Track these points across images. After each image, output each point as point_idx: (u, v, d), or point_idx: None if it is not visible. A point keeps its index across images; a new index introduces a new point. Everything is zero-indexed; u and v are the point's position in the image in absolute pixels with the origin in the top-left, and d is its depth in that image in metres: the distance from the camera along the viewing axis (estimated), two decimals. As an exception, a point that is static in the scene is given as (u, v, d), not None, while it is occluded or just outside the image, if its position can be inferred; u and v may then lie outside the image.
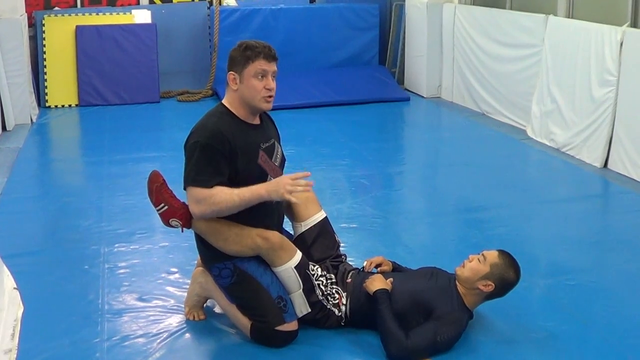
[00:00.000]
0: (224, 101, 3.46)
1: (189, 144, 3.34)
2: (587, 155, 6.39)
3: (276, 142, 3.58)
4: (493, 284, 3.34)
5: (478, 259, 3.38)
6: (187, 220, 3.41)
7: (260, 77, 3.33)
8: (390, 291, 3.39)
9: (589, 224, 5.14)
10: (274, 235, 3.35)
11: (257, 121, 3.48)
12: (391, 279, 3.47)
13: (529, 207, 5.38)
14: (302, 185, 3.25)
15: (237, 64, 3.35)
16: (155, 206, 3.46)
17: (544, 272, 4.29)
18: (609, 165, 6.20)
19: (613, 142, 6.16)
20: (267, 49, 3.36)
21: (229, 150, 3.28)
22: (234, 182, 3.31)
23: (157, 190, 3.43)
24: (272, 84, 3.37)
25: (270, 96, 3.37)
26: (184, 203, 3.44)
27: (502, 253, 3.42)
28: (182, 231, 3.49)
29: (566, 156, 6.60)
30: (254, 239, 3.31)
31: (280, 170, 3.55)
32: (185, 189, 3.33)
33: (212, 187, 3.24)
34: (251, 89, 3.34)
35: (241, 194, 3.24)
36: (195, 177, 3.27)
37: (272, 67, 3.37)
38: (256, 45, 3.35)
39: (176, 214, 3.41)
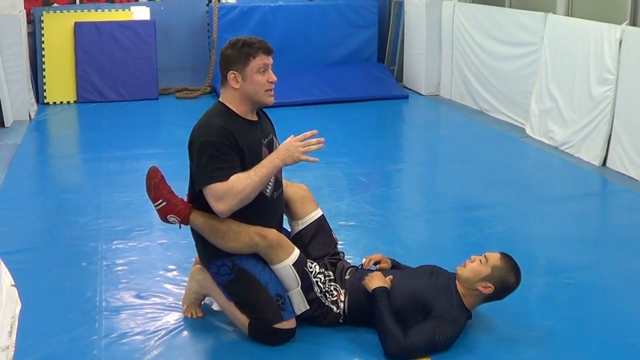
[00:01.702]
0: (221, 99, 3.44)
1: (196, 144, 3.30)
2: (586, 154, 6.39)
3: (274, 137, 3.58)
4: (493, 287, 3.33)
5: (480, 260, 3.37)
6: (185, 216, 3.39)
7: (262, 71, 3.34)
8: (389, 289, 3.39)
9: (588, 222, 5.14)
10: (271, 233, 3.34)
11: (255, 117, 3.48)
12: (390, 277, 3.46)
13: (527, 205, 5.38)
14: (314, 144, 3.26)
15: (236, 63, 3.33)
16: (154, 202, 3.45)
17: (542, 270, 4.28)
18: (608, 164, 6.19)
19: (612, 141, 6.15)
20: (264, 43, 3.37)
21: (236, 147, 3.28)
22: None
23: (156, 186, 3.43)
24: (274, 77, 3.39)
25: (272, 89, 3.39)
26: (182, 199, 3.43)
27: (505, 256, 3.40)
28: (180, 227, 3.48)
29: (565, 154, 6.60)
30: (251, 236, 3.30)
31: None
32: (201, 189, 3.29)
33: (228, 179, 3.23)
34: (255, 85, 3.34)
35: (258, 172, 3.23)
36: (212, 174, 3.23)
37: (271, 60, 3.39)
38: (253, 41, 3.35)
39: (174, 210, 3.39)
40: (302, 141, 3.27)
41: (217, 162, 3.24)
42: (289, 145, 3.28)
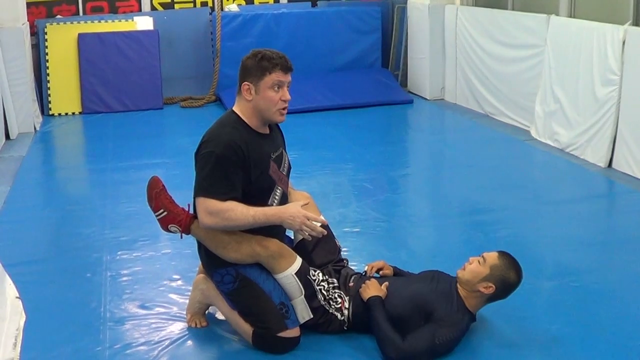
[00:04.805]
0: (235, 109, 3.42)
1: (202, 153, 3.30)
2: (591, 155, 6.36)
3: (283, 151, 3.57)
4: (494, 286, 3.32)
5: (478, 261, 3.36)
6: (186, 226, 3.40)
7: (276, 88, 3.31)
8: (385, 296, 3.39)
9: (594, 224, 5.11)
10: (273, 243, 3.34)
11: (267, 130, 3.47)
12: (386, 283, 3.47)
13: (533, 208, 5.35)
14: (317, 231, 3.25)
15: (252, 75, 3.31)
16: (155, 212, 3.45)
17: (548, 273, 4.26)
18: (614, 165, 6.17)
19: (617, 142, 6.13)
20: (284, 60, 3.33)
21: (243, 161, 3.26)
22: (246, 192, 3.29)
23: (157, 196, 3.43)
24: (288, 96, 3.36)
25: (284, 108, 3.37)
26: (183, 209, 3.44)
27: (502, 254, 3.40)
28: (181, 237, 3.49)
29: (570, 156, 6.57)
30: (253, 246, 3.30)
31: (287, 178, 3.55)
32: (195, 197, 3.31)
33: (225, 200, 3.22)
34: (267, 101, 3.32)
35: (256, 216, 3.22)
36: (209, 188, 3.24)
37: (288, 78, 3.35)
38: (273, 56, 3.31)
39: (175, 219, 3.40)
40: (309, 220, 3.23)
41: (218, 177, 3.24)
42: (297, 214, 3.23)
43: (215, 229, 3.30)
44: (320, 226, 3.29)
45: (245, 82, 3.33)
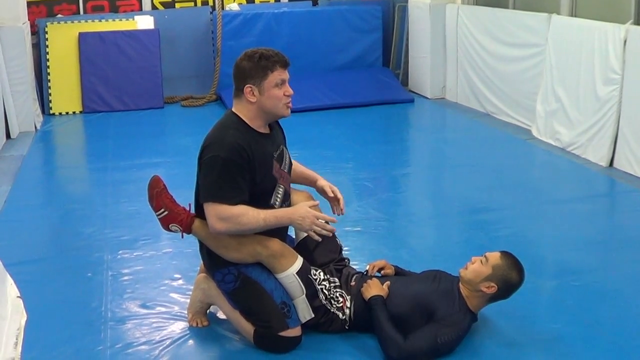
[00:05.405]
0: (235, 110, 3.40)
1: (207, 157, 3.28)
2: (593, 155, 6.35)
3: (284, 148, 3.57)
4: (496, 286, 3.31)
5: (480, 261, 3.36)
6: (187, 225, 3.39)
7: (280, 85, 3.32)
8: (386, 296, 3.39)
9: (596, 223, 5.10)
10: (274, 242, 3.33)
11: (267, 130, 3.46)
12: (388, 283, 3.47)
13: (534, 207, 5.34)
14: (326, 230, 3.27)
15: (253, 76, 3.29)
16: (156, 211, 3.44)
17: (550, 273, 4.26)
18: (615, 164, 6.16)
19: (618, 141, 6.12)
20: (282, 56, 3.34)
21: (248, 163, 3.25)
22: (250, 193, 3.28)
23: (158, 195, 3.42)
24: (291, 90, 3.37)
25: (289, 102, 3.37)
26: (184, 208, 3.43)
27: (505, 254, 3.39)
28: (182, 237, 3.48)
29: (572, 155, 6.56)
30: (254, 246, 3.29)
31: (288, 175, 3.54)
32: (203, 203, 3.28)
33: (235, 204, 3.21)
34: (273, 99, 3.31)
35: (267, 219, 3.24)
36: (218, 193, 3.22)
37: (287, 74, 3.37)
38: (270, 54, 3.31)
39: (176, 219, 3.40)
40: (318, 219, 3.27)
41: (225, 181, 3.22)
42: (306, 214, 3.26)
43: (227, 233, 3.27)
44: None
45: (248, 85, 3.30)
